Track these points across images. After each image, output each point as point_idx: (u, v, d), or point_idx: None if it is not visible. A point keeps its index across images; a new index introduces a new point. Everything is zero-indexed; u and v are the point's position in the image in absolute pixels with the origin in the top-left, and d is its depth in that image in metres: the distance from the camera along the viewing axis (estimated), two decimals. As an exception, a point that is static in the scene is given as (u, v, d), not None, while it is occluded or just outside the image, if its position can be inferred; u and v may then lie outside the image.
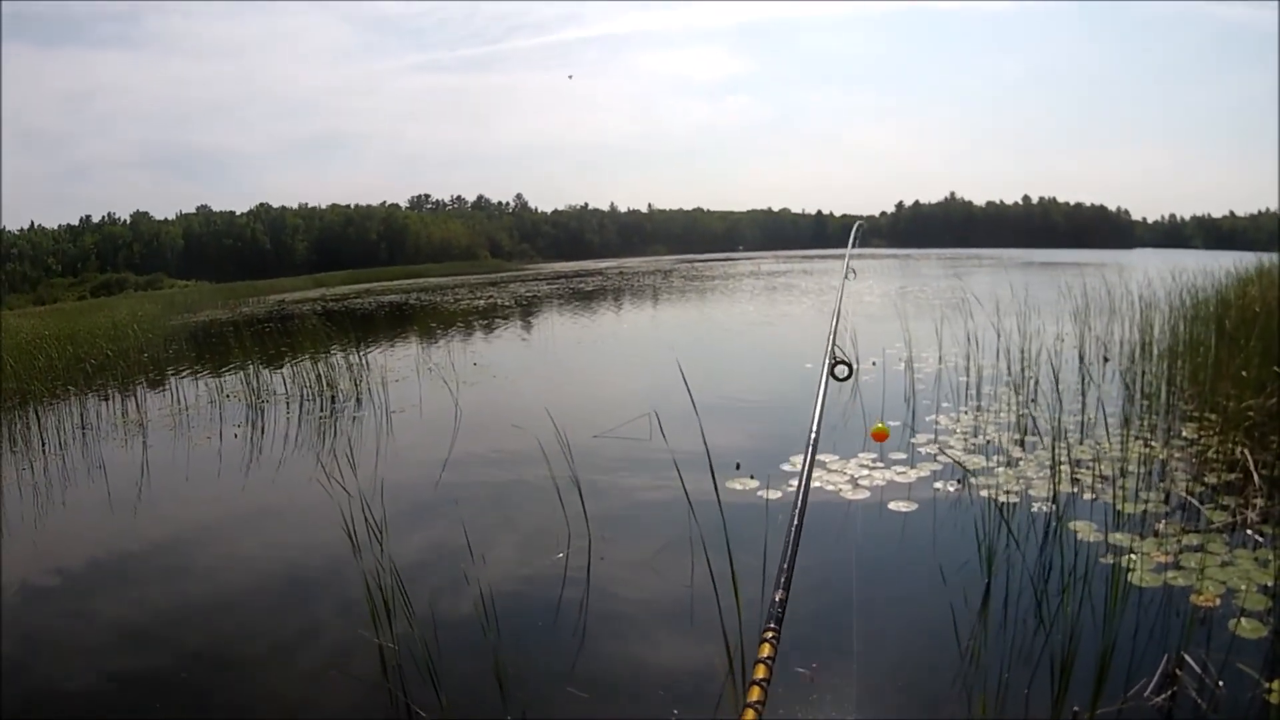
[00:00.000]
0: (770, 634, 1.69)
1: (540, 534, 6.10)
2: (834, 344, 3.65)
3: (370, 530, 5.03)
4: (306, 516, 6.50)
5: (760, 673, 1.58)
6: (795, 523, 2.17)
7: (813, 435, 2.81)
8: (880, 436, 6.39)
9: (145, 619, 5.24)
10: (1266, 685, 3.70)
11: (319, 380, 12.51)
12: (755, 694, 1.54)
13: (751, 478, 7.15)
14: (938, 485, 6.94)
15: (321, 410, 11.53)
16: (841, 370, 3.51)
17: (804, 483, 2.35)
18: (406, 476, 8.10)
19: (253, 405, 11.94)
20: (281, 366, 14.52)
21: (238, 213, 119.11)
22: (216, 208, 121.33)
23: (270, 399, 12.34)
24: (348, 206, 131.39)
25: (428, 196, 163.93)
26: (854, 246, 6.70)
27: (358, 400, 12.06)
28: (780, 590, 1.91)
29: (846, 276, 5.96)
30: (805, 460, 2.55)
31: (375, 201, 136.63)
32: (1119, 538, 5.46)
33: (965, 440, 8.33)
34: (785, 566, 1.99)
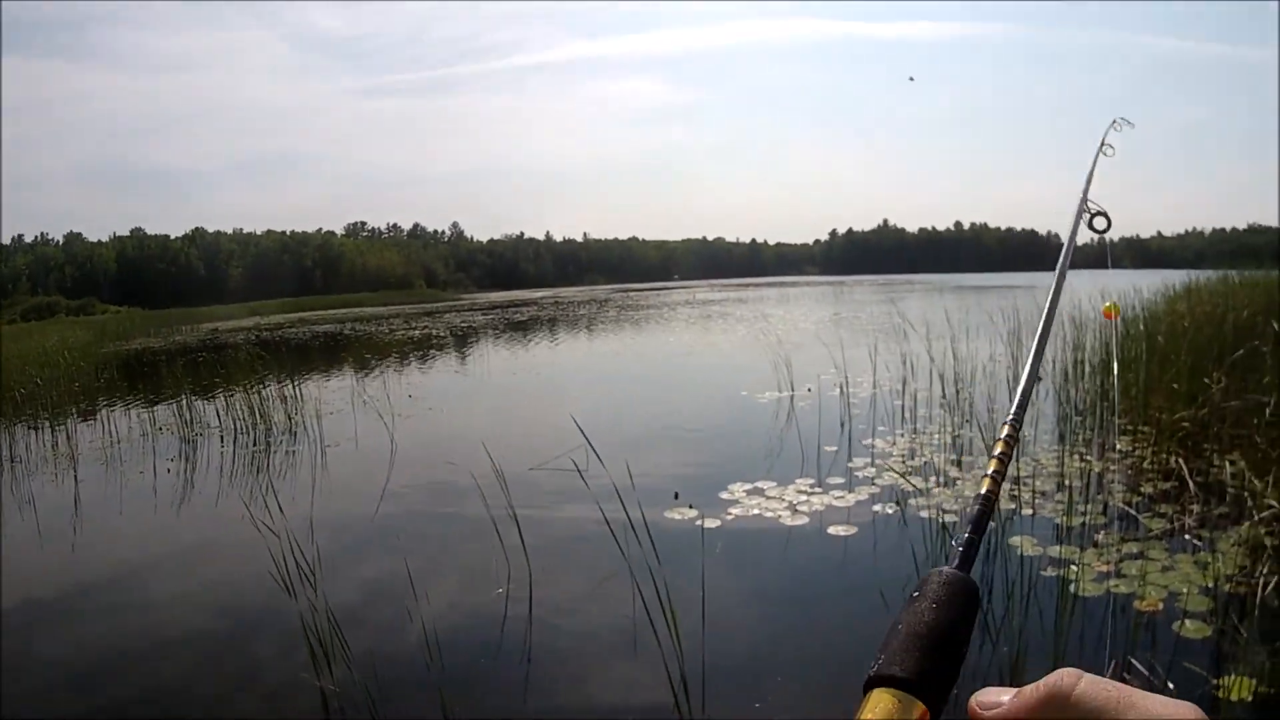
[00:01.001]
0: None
1: (480, 569, 6.06)
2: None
3: (307, 569, 4.97)
4: (243, 554, 6.40)
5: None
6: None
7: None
8: (1110, 314, 6.56)
9: (82, 661, 5.11)
10: (1215, 681, 3.82)
11: (253, 413, 12.33)
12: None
13: (690, 507, 7.18)
14: (877, 508, 7.02)
15: (256, 444, 11.37)
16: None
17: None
18: (343, 512, 8.03)
19: (186, 439, 11.74)
20: (215, 398, 14.25)
21: (172, 236, 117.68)
22: (151, 230, 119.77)
23: (204, 432, 12.15)
24: (284, 233, 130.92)
25: (364, 224, 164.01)
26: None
27: (292, 433, 11.90)
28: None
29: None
30: None
31: (311, 228, 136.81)
32: (1061, 550, 5.59)
33: (903, 462, 8.45)
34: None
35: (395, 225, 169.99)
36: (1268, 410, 6.66)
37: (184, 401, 13.19)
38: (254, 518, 5.78)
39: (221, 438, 11.79)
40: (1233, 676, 3.82)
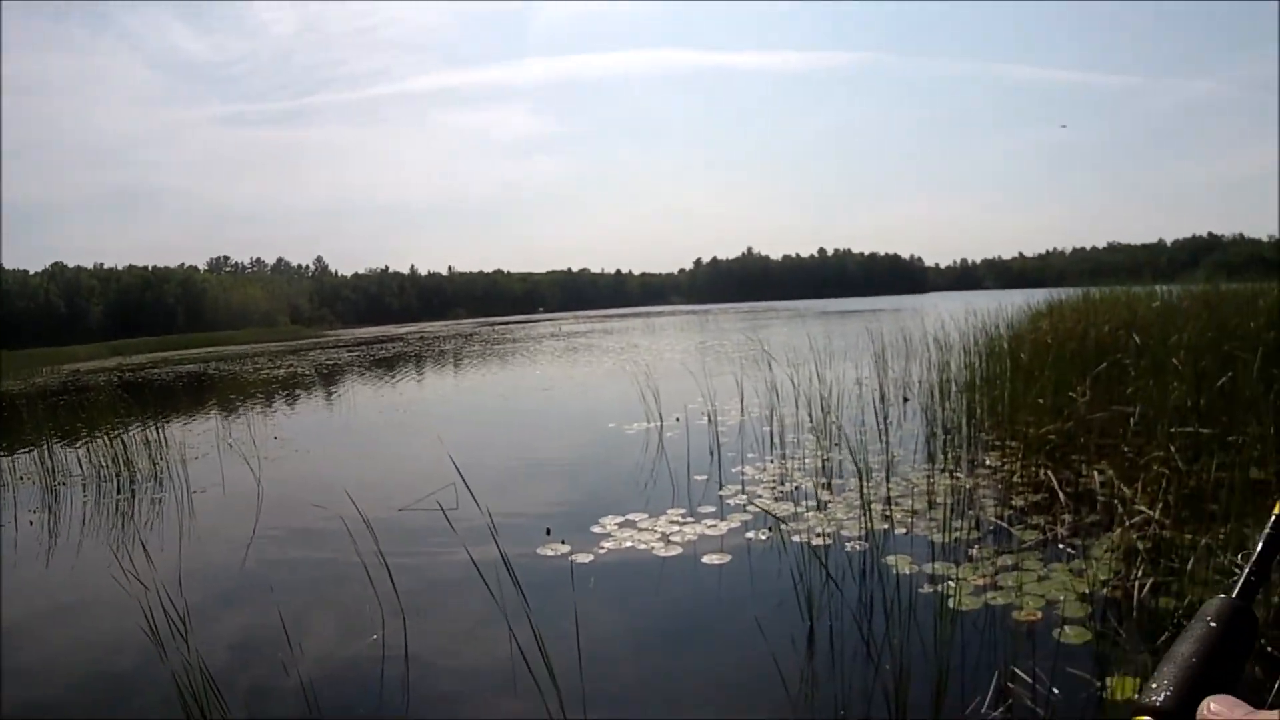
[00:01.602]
0: None
1: (354, 615, 5.86)
2: None
3: (178, 622, 4.76)
4: (112, 609, 6.06)
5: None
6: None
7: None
8: None
9: None
10: (1098, 684, 3.88)
11: (116, 460, 11.83)
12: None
13: (562, 542, 7.09)
14: (750, 535, 7.02)
15: (120, 492, 10.88)
16: None
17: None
18: (212, 561, 7.72)
19: (48, 488, 11.16)
20: (78, 444, 13.68)
21: (31, 272, 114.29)
22: (9, 264, 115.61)
23: (67, 480, 11.56)
24: (145, 268, 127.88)
25: (227, 258, 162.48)
26: None
27: (158, 480, 11.41)
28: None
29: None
30: None
31: (174, 263, 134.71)
32: (936, 567, 5.65)
33: (773, 488, 8.49)
34: None
35: (259, 260, 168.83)
36: (1132, 420, 6.87)
37: (45, 448, 12.58)
38: (119, 569, 5.53)
39: (84, 486, 11.26)
40: (1116, 678, 3.89)
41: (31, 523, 9.57)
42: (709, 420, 11.76)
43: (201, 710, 4.24)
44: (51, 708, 5.12)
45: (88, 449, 12.71)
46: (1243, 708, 0.49)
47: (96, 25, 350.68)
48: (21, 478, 12.03)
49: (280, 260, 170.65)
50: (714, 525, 7.35)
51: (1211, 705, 0.50)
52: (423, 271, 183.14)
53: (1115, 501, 5.74)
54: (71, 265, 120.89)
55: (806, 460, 9.52)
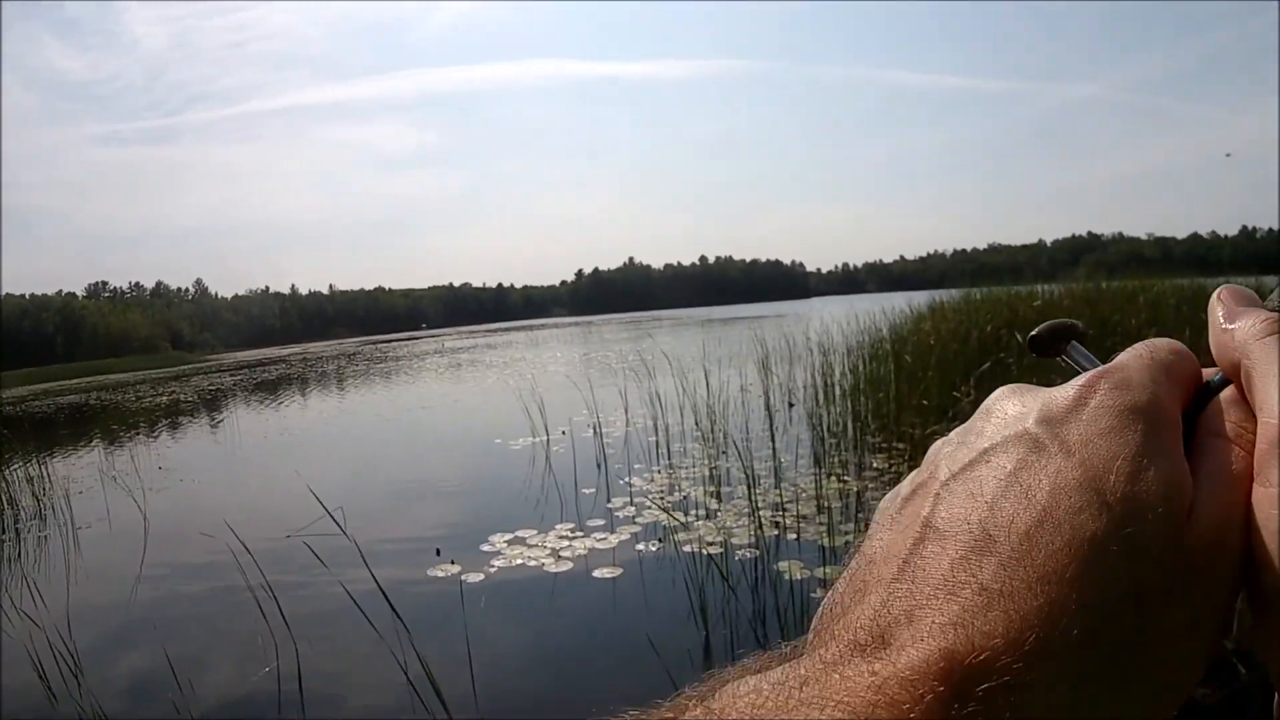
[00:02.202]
0: None
1: (247, 647, 5.72)
2: None
3: (70, 666, 4.62)
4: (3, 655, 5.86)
5: None
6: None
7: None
8: None
9: None
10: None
11: None
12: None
13: (452, 562, 7.01)
14: (640, 546, 7.04)
15: (4, 531, 10.50)
16: None
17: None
18: (101, 599, 7.47)
19: None
20: None
21: None
22: None
23: None
24: (22, 296, 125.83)
25: (105, 283, 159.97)
26: None
27: (41, 517, 11.04)
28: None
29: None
30: None
31: (51, 290, 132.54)
32: (828, 571, 5.71)
33: (662, 498, 8.51)
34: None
35: (138, 284, 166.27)
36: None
37: None
38: (15, 607, 5.36)
39: None
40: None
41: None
42: (595, 432, 11.76)
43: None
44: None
45: None
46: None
47: None
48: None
49: (159, 284, 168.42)
50: (604, 538, 7.35)
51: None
52: (303, 290, 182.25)
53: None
54: None
55: (694, 469, 9.57)
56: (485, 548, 7.39)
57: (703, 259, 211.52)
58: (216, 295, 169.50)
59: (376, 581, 4.64)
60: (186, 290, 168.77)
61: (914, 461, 5.71)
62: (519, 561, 6.94)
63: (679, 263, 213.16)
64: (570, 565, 6.75)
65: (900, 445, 8.75)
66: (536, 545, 7.32)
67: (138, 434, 21.85)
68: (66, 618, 5.77)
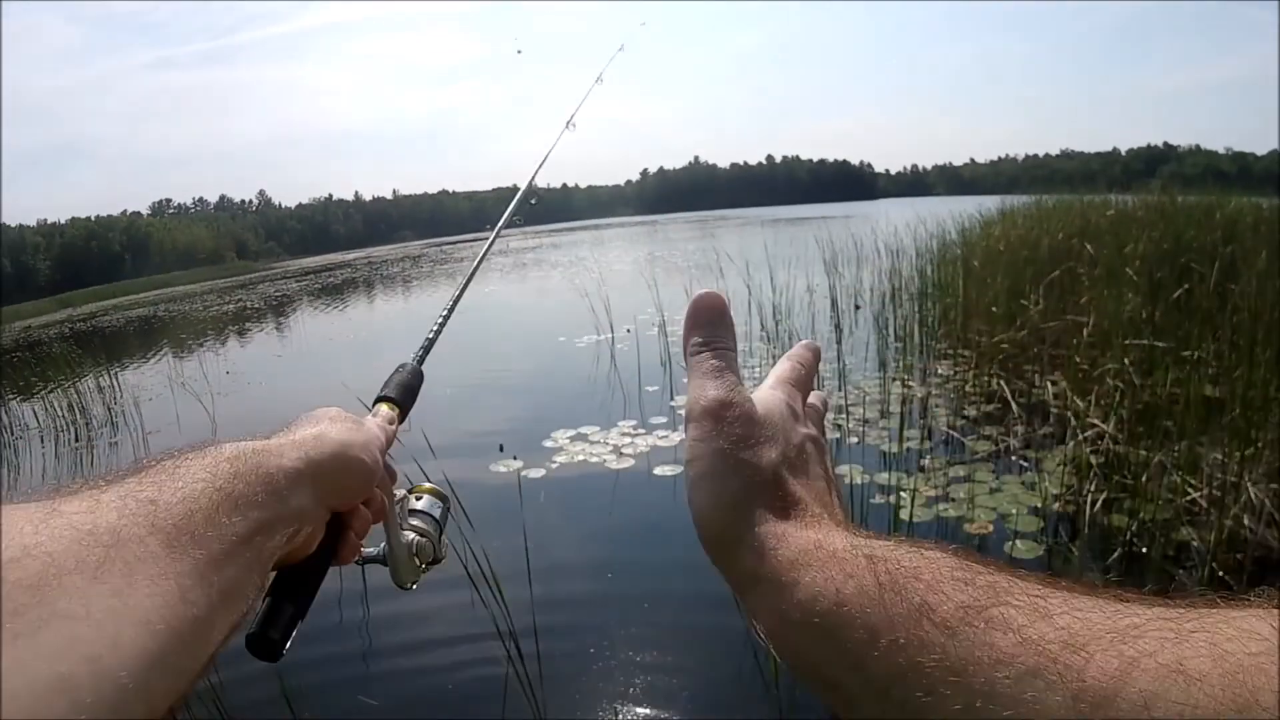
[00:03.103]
0: None
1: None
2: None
3: None
4: None
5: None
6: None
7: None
8: None
9: None
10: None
11: (71, 409, 11.70)
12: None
13: (515, 458, 7.05)
14: (703, 445, 7.00)
15: (77, 440, 10.77)
16: None
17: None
18: None
19: (6, 444, 11.03)
20: (32, 398, 13.55)
21: None
22: None
23: (23, 435, 11.43)
24: (89, 219, 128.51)
25: (169, 201, 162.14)
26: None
27: (113, 425, 11.30)
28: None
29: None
30: None
31: (116, 210, 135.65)
32: (888, 477, 5.65)
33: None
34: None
35: (201, 199, 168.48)
36: (1085, 330, 6.87)
37: (1, 406, 12.44)
38: None
39: (42, 438, 11.12)
40: (1067, 594, 3.91)
41: (-9, 480, 9.46)
42: (660, 331, 11.72)
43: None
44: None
45: (43, 401, 12.57)
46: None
47: None
48: (-23, 437, 11.82)
49: (223, 198, 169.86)
50: (665, 437, 7.33)
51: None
52: (366, 197, 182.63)
53: (1068, 414, 5.75)
54: (14, 224, 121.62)
55: (758, 370, 9.50)
56: (548, 444, 7.42)
57: (769, 159, 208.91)
58: (280, 205, 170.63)
59: (446, 478, 4.65)
60: (250, 202, 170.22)
61: (979, 370, 5.63)
62: (581, 458, 6.95)
63: (745, 162, 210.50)
64: (632, 462, 6.76)
65: (966, 353, 8.60)
66: (599, 442, 7.33)
67: (205, 342, 22.17)
68: None
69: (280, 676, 3.97)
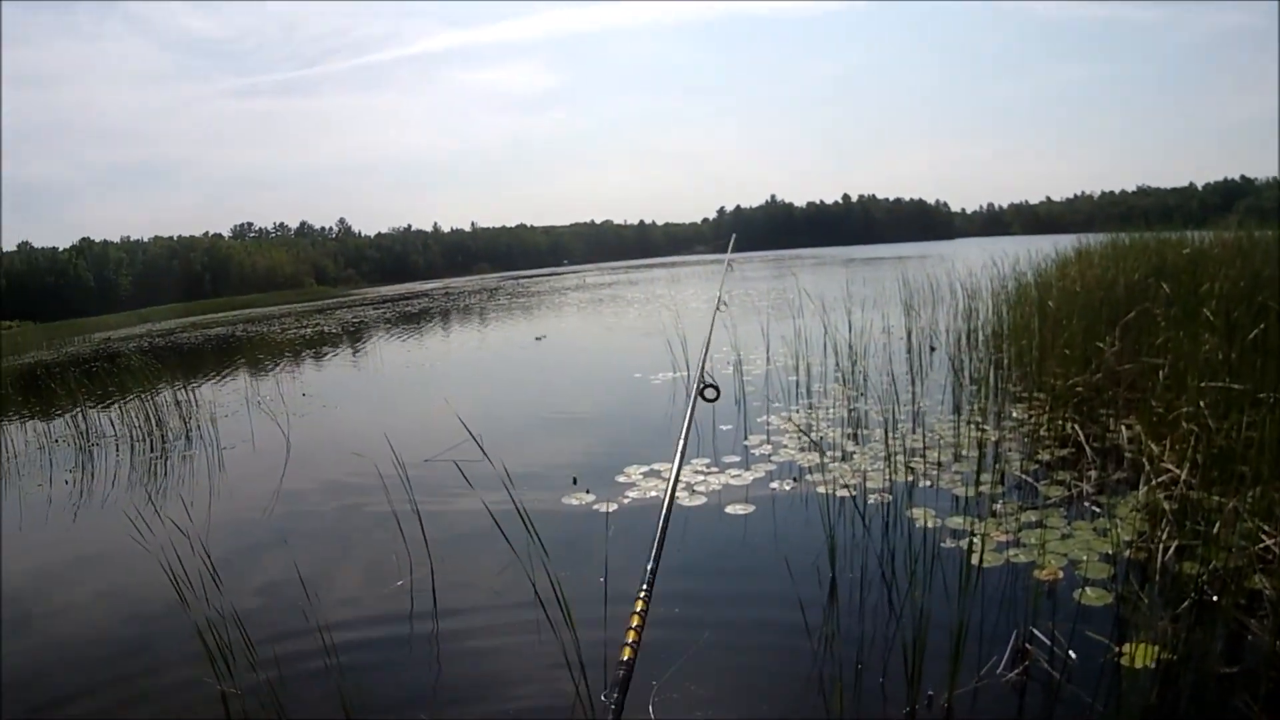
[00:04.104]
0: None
1: (381, 564, 5.93)
2: (704, 368, 3.82)
3: (207, 572, 4.89)
4: (141, 561, 6.14)
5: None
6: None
7: (679, 450, 3.04)
8: None
9: None
10: (1117, 650, 3.86)
11: (148, 420, 12.04)
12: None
13: (588, 492, 7.12)
14: (774, 485, 7.02)
15: (152, 450, 11.07)
16: (710, 393, 3.74)
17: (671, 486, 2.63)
18: (241, 513, 7.88)
19: (83, 449, 11.38)
20: (110, 407, 14.00)
21: (60, 248, 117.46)
22: (38, 243, 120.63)
23: (100, 441, 11.78)
24: (171, 238, 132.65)
25: (250, 224, 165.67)
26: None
27: (187, 438, 11.60)
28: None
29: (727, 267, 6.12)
30: (673, 470, 2.80)
31: (198, 231, 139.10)
32: (959, 521, 5.63)
33: (799, 438, 8.46)
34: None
35: (282, 224, 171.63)
36: (1161, 373, 6.77)
37: (80, 412, 12.87)
38: (149, 525, 5.64)
39: (118, 446, 11.46)
40: (1135, 644, 3.86)
41: (68, 482, 9.76)
42: (735, 369, 11.75)
43: (223, 650, 4.34)
44: (76, 648, 5.24)
45: (120, 411, 12.94)
46: None
47: (102, 12, 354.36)
48: (57, 440, 12.25)
49: (303, 224, 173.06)
50: (738, 475, 7.35)
51: None
52: (445, 228, 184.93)
53: (1142, 459, 5.68)
54: (99, 239, 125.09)
55: (832, 410, 9.49)
56: (620, 479, 7.47)
57: (845, 198, 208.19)
58: (359, 234, 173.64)
59: (516, 505, 4.72)
60: (330, 229, 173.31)
61: (1053, 413, 5.60)
62: (653, 494, 6.98)
63: (821, 201, 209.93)
64: (704, 500, 6.78)
65: (1041, 395, 8.52)
66: (671, 479, 7.35)
67: (282, 362, 22.60)
68: (207, 529, 6.15)
69: (340, 692, 4.05)
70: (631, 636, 1.89)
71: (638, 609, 2.01)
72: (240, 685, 4.27)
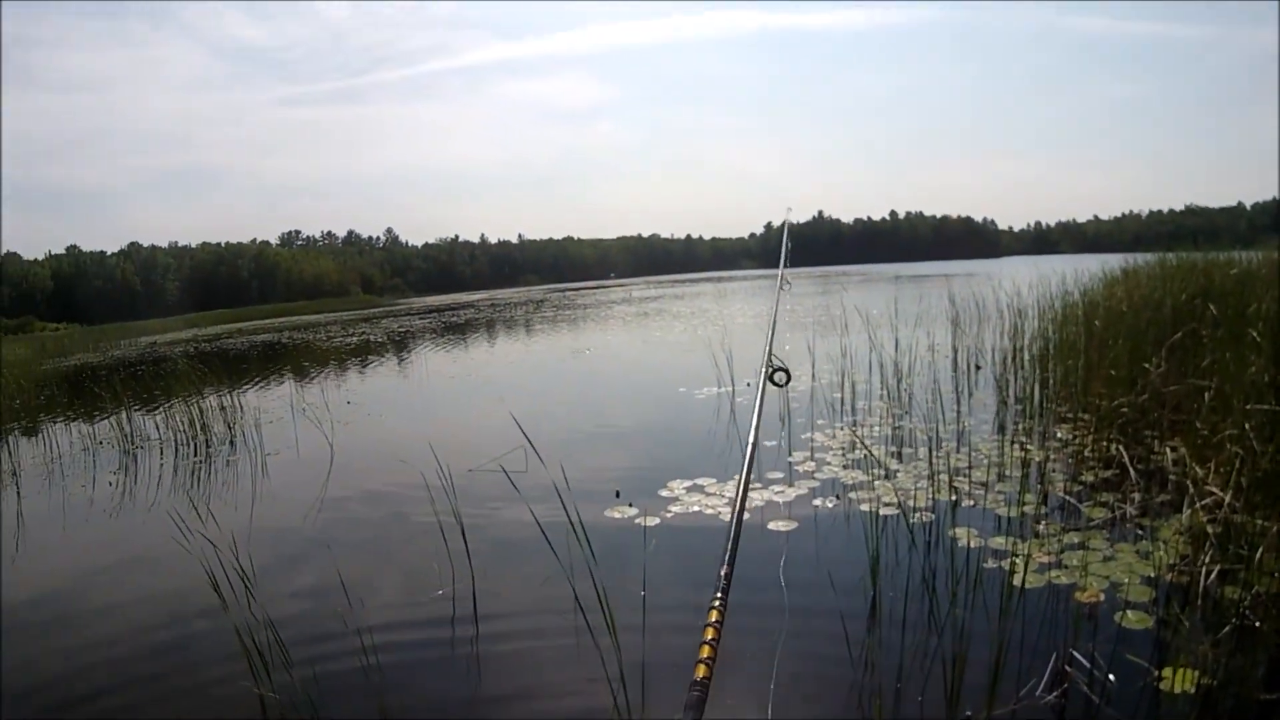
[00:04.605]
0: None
1: (421, 572, 5.99)
2: (771, 352, 3.84)
3: (247, 576, 4.98)
4: (182, 565, 6.25)
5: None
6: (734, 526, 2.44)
7: (749, 446, 3.06)
8: None
9: (21, 675, 4.99)
10: (1156, 674, 3.84)
11: (192, 424, 12.21)
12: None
13: (630, 505, 7.16)
14: (817, 502, 7.02)
15: (196, 454, 11.24)
16: (780, 377, 3.88)
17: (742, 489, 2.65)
18: (283, 519, 7.98)
19: (127, 451, 11.60)
20: (155, 411, 14.27)
21: (108, 252, 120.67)
22: (86, 247, 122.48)
23: (144, 445, 12.00)
24: (219, 244, 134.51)
25: (299, 232, 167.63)
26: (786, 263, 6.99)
27: (231, 443, 11.77)
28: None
29: (781, 288, 6.20)
30: (742, 474, 2.81)
31: (246, 238, 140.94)
32: (1002, 541, 5.62)
33: (842, 455, 8.47)
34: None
35: (330, 233, 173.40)
36: (1207, 395, 6.72)
37: (124, 415, 13.06)
38: (190, 528, 5.73)
39: (162, 449, 11.66)
40: (1175, 668, 3.85)
41: (111, 484, 9.92)
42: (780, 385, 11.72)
43: (262, 654, 4.42)
44: (116, 646, 5.34)
45: (165, 414, 13.16)
46: None
47: (156, 19, 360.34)
48: (101, 442, 12.43)
49: (351, 233, 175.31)
50: (781, 492, 7.36)
51: None
52: (492, 240, 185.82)
53: (1186, 481, 5.64)
54: (147, 244, 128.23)
55: (876, 428, 9.48)
56: (663, 493, 7.51)
57: (893, 214, 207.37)
58: (406, 243, 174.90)
59: (567, 513, 4.78)
60: (377, 238, 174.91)
61: (1098, 434, 5.58)
62: (695, 509, 7.02)
63: (869, 217, 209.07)
64: (747, 516, 6.77)
65: (1086, 416, 8.48)
66: (714, 494, 7.39)
67: (327, 370, 22.89)
68: (249, 534, 6.31)
69: (380, 698, 4.11)
70: (706, 652, 1.89)
71: (711, 620, 2.01)
72: (277, 688, 4.34)
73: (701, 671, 1.75)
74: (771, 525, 6.51)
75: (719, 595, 2.02)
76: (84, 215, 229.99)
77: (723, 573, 2.14)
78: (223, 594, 4.89)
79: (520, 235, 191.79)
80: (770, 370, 3.69)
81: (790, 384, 10.16)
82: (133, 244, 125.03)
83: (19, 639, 5.64)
